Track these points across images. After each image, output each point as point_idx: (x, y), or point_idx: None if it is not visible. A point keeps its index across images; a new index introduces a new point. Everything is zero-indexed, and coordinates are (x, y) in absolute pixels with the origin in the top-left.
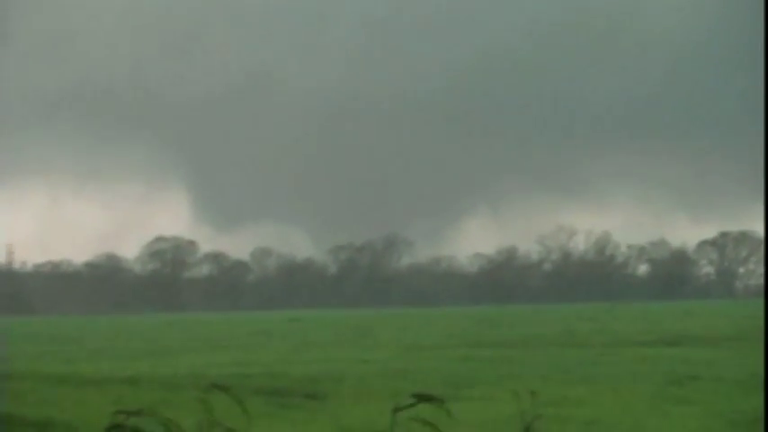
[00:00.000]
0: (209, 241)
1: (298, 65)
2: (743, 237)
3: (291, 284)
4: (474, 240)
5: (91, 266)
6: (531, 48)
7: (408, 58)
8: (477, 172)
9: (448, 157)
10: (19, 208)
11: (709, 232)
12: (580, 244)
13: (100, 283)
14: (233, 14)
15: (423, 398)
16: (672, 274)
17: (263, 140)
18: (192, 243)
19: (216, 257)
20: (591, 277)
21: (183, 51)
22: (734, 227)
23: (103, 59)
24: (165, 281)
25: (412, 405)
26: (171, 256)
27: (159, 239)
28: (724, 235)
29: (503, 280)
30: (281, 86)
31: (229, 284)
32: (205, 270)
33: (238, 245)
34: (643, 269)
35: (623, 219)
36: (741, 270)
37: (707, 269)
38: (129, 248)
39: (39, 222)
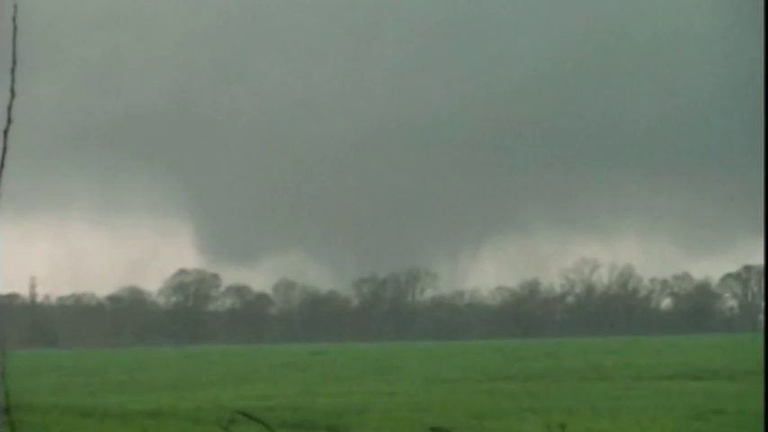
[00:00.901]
0: (231, 274)
1: (324, 99)
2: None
3: (315, 317)
4: (497, 273)
5: (114, 299)
6: (555, 81)
7: (437, 91)
8: (501, 203)
9: (472, 188)
10: (42, 240)
11: (733, 266)
12: (603, 277)
13: (123, 316)
14: (272, 45)
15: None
16: (695, 307)
17: (288, 172)
18: (215, 276)
19: (239, 290)
20: (614, 311)
21: (217, 81)
22: (757, 260)
23: (139, 88)
24: (188, 314)
25: None
26: (194, 289)
27: (182, 272)
28: (747, 269)
29: (526, 313)
30: (310, 120)
31: (253, 317)
32: (228, 303)
33: (261, 277)
34: (666, 303)
35: (645, 252)
36: (765, 303)
37: (731, 303)
38: (152, 281)
39: (61, 255)
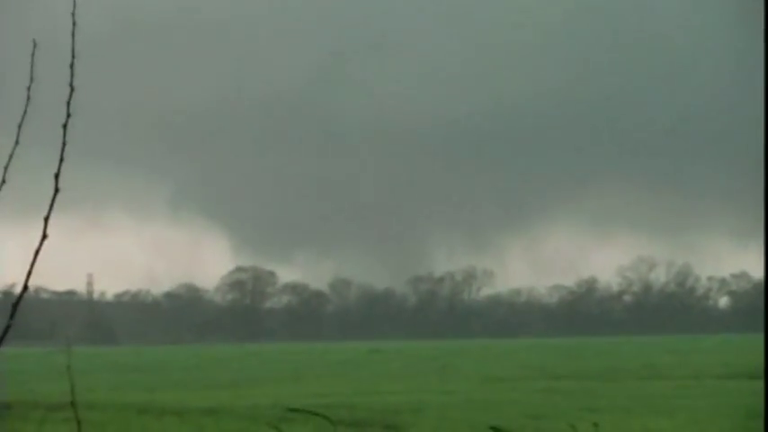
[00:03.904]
0: (287, 271)
1: (397, 94)
2: None
3: (371, 315)
4: (554, 271)
5: (170, 297)
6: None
7: (498, 87)
8: (559, 199)
9: (529, 184)
10: (98, 237)
11: None
12: (660, 276)
13: (180, 313)
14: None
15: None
16: (753, 306)
17: (342, 169)
18: (271, 273)
19: (295, 288)
20: (671, 309)
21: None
22: None
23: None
24: (244, 311)
25: None
26: (250, 286)
27: (239, 270)
28: None
29: (583, 311)
30: (372, 118)
31: (309, 315)
32: (285, 300)
33: (317, 275)
34: (724, 301)
35: (702, 250)
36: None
37: None
38: (208, 279)
39: (117, 252)
